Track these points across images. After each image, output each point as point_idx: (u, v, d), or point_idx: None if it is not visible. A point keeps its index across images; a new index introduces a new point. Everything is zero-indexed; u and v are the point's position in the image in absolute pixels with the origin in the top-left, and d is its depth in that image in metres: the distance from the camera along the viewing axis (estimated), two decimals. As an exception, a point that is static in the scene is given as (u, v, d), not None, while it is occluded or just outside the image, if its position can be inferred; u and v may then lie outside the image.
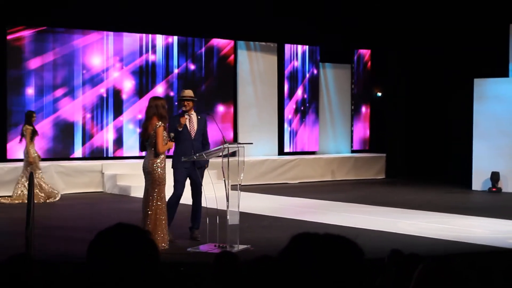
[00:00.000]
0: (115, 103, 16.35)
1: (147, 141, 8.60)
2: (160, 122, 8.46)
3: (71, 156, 15.69)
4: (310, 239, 1.87)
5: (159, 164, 8.49)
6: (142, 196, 8.80)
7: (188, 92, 9.43)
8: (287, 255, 1.86)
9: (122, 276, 1.96)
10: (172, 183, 9.17)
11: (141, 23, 15.86)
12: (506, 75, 15.84)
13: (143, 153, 8.90)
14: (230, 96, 18.01)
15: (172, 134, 8.79)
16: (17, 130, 14.25)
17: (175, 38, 17.11)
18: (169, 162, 9.01)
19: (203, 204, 9.06)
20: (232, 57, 18.02)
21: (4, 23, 14.86)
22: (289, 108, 18.97)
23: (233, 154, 8.73)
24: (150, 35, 16.73)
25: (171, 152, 9.45)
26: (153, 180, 8.49)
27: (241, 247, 8.35)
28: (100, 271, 1.97)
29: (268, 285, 3.28)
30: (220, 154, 8.47)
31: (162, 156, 8.54)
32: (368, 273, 1.84)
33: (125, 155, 16.44)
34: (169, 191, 8.91)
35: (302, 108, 19.18)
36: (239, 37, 17.85)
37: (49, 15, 14.87)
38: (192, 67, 17.44)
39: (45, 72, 15.45)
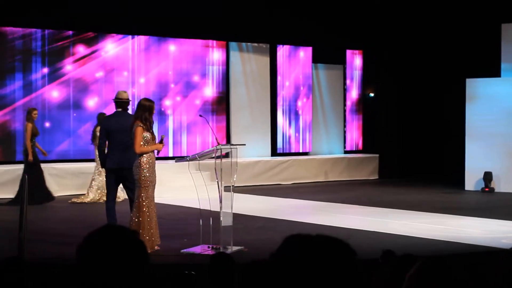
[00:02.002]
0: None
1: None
2: (140, 123, 8.38)
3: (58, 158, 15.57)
4: (303, 240, 1.87)
5: (142, 166, 8.35)
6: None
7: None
8: (280, 256, 1.86)
9: (111, 278, 1.96)
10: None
11: (133, 24, 15.82)
12: (498, 75, 15.88)
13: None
14: (222, 97, 17.99)
15: (163, 135, 8.69)
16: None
17: (168, 38, 17.08)
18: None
19: (196, 205, 9.04)
20: (224, 58, 18.00)
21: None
22: (282, 109, 18.96)
23: (226, 155, 8.72)
24: (142, 36, 16.71)
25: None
26: (138, 182, 8.40)
27: (235, 248, 8.36)
28: (89, 273, 1.97)
29: (262, 286, 3.28)
30: (213, 155, 8.46)
31: (146, 157, 8.38)
32: (361, 274, 1.84)
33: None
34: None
35: (294, 108, 19.17)
36: (231, 38, 17.83)
37: (43, 16, 14.86)
38: (185, 67, 17.41)
39: (33, 70, 15.43)
